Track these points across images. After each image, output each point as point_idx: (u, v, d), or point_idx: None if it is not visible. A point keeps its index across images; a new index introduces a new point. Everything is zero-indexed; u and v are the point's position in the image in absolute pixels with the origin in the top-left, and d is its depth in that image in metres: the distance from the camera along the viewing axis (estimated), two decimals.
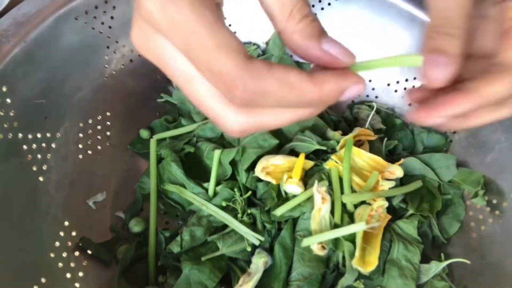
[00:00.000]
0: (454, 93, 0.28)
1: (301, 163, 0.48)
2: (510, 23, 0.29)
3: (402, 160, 0.53)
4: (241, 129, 0.23)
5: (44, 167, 0.49)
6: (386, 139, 0.56)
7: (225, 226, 0.50)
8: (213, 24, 0.20)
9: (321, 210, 0.47)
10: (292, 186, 0.48)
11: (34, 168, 0.48)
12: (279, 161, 0.49)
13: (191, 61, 0.21)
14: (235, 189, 0.50)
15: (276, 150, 0.52)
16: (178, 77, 0.23)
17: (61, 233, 0.48)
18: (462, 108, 0.28)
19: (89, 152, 0.54)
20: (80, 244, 0.49)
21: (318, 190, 0.46)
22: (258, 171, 0.48)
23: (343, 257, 0.46)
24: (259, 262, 0.46)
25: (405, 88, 0.60)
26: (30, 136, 0.47)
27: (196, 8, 0.20)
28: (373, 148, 0.55)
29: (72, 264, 0.47)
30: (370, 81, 0.62)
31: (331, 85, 0.22)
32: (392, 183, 0.49)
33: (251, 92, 0.20)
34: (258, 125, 0.23)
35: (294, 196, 0.48)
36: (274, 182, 0.48)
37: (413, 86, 0.59)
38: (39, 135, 0.48)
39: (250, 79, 0.20)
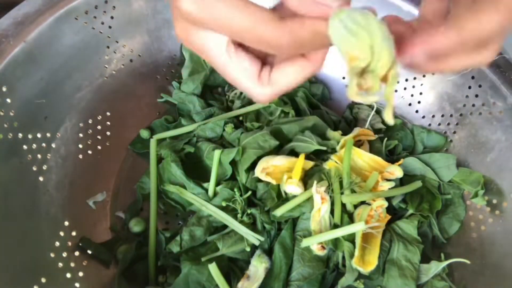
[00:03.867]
0: (435, 30, 0.26)
1: (301, 163, 0.48)
2: None
3: (401, 161, 0.53)
4: (268, 98, 0.28)
5: (44, 167, 0.49)
6: (386, 139, 0.56)
7: (225, 226, 0.50)
8: (238, 4, 0.24)
9: (320, 210, 0.47)
10: (292, 187, 0.48)
11: (34, 168, 0.48)
12: (279, 161, 0.49)
13: (241, 40, 0.25)
14: (235, 189, 0.50)
15: (276, 151, 0.52)
16: (218, 63, 0.27)
17: (61, 233, 0.48)
18: (442, 45, 0.26)
19: (89, 152, 0.54)
20: (80, 244, 0.49)
21: (317, 191, 0.46)
22: (258, 172, 0.48)
23: (343, 257, 0.46)
24: (259, 266, 0.46)
25: (405, 88, 0.60)
26: (30, 136, 0.47)
27: None
28: (373, 148, 0.55)
29: (72, 264, 0.47)
30: None
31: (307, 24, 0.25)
32: (392, 184, 0.49)
33: (293, 44, 0.25)
34: (277, 91, 0.28)
35: (294, 196, 0.48)
36: (274, 182, 0.48)
37: (413, 87, 0.59)
38: (39, 135, 0.48)
39: (290, 37, 0.24)
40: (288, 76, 0.28)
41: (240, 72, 0.27)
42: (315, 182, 0.47)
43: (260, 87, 0.28)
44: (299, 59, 0.28)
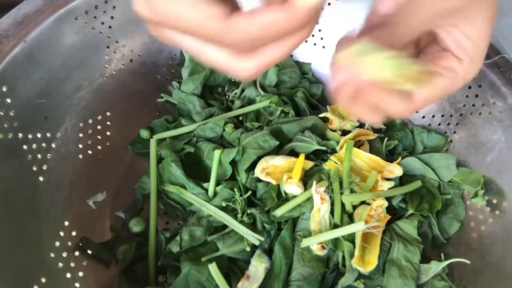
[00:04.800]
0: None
1: (301, 163, 0.48)
2: None
3: (399, 159, 0.53)
4: (252, 72, 0.26)
5: (44, 167, 0.49)
6: (386, 139, 0.56)
7: (225, 226, 0.50)
8: (195, 1, 0.22)
9: (320, 210, 0.47)
10: (292, 187, 0.48)
11: (34, 168, 0.48)
12: (279, 161, 0.49)
13: (191, 36, 0.24)
14: (235, 189, 0.50)
15: (276, 151, 0.52)
16: (191, 50, 0.26)
17: (61, 233, 0.48)
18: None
19: (89, 152, 0.54)
20: (80, 244, 0.49)
21: (317, 191, 0.46)
22: (258, 172, 0.48)
23: (343, 257, 0.46)
24: (259, 266, 0.46)
25: None
26: (30, 136, 0.47)
27: None
28: (373, 148, 0.55)
29: (72, 264, 0.47)
30: None
31: (301, 2, 0.22)
32: (392, 183, 0.49)
33: (240, 42, 0.23)
34: (265, 63, 0.26)
35: (294, 196, 0.48)
36: (274, 182, 0.48)
37: None
38: (39, 135, 0.48)
39: (235, 34, 0.23)
40: (273, 49, 0.25)
41: (214, 53, 0.26)
42: (314, 182, 0.47)
43: (242, 60, 0.26)
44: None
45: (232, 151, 0.50)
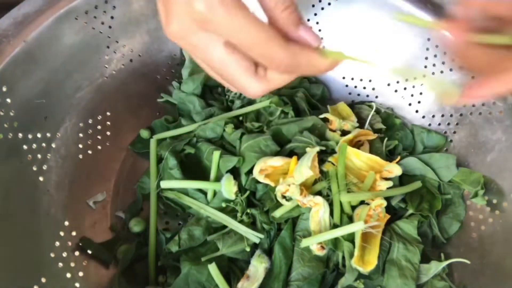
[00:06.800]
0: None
1: (294, 165, 0.48)
2: None
3: (398, 158, 0.53)
4: (261, 93, 0.31)
5: (44, 167, 0.49)
6: (386, 139, 0.56)
7: (224, 226, 0.50)
8: (254, 20, 0.27)
9: (319, 211, 0.47)
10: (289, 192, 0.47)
11: (34, 168, 0.48)
12: (276, 162, 0.48)
13: (245, 51, 0.28)
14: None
15: (276, 151, 0.52)
16: (215, 61, 0.30)
17: (61, 233, 0.48)
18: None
19: (89, 152, 0.54)
20: (80, 244, 0.49)
21: (303, 204, 0.46)
22: (256, 173, 0.48)
23: (343, 257, 0.46)
24: (258, 266, 0.46)
25: (405, 88, 0.60)
26: (30, 136, 0.47)
27: (239, 8, 0.26)
28: (373, 148, 0.55)
29: (72, 264, 0.47)
30: (370, 81, 0.62)
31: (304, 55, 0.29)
32: (390, 183, 0.49)
33: (289, 65, 0.28)
34: (272, 87, 0.31)
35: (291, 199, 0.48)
36: (272, 184, 0.48)
37: (413, 86, 0.59)
38: (39, 135, 0.48)
39: (291, 58, 0.28)
40: (284, 76, 0.31)
41: (237, 69, 0.29)
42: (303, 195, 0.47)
43: (256, 82, 0.30)
44: None
45: (232, 159, 0.50)
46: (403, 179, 0.53)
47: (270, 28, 0.27)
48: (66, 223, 0.49)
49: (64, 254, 0.47)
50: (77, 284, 0.46)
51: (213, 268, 0.45)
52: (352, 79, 0.63)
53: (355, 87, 0.63)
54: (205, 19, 0.27)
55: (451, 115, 0.56)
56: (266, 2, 0.29)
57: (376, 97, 0.62)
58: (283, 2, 0.29)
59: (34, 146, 0.48)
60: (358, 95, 0.63)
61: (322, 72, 0.30)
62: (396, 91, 0.61)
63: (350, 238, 0.46)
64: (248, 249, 0.47)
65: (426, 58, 0.57)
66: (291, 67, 0.29)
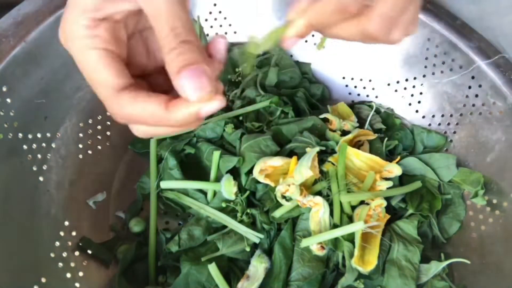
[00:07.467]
0: None
1: (293, 165, 0.48)
2: None
3: (398, 158, 0.53)
4: (124, 121, 0.29)
5: (44, 167, 0.49)
6: (386, 139, 0.56)
7: (224, 226, 0.50)
8: (97, 65, 0.28)
9: (319, 211, 0.47)
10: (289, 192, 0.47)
11: (34, 168, 0.48)
12: (276, 162, 0.48)
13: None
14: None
15: (276, 151, 0.52)
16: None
17: (61, 233, 0.48)
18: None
19: (89, 152, 0.54)
20: (80, 244, 0.49)
21: (303, 204, 0.46)
22: (256, 173, 0.48)
23: (343, 257, 0.46)
24: (258, 266, 0.46)
25: (405, 88, 0.60)
26: (30, 136, 0.47)
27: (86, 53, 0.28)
28: (373, 148, 0.55)
29: (72, 264, 0.47)
30: (370, 81, 0.62)
31: (182, 111, 0.26)
32: (390, 183, 0.49)
33: (121, 116, 0.28)
34: (135, 128, 0.30)
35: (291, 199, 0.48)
36: (272, 185, 0.48)
37: (413, 86, 0.59)
38: (39, 135, 0.48)
39: (118, 108, 0.28)
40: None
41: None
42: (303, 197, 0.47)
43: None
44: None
45: (232, 159, 0.50)
46: (403, 179, 0.53)
47: (149, 101, 0.27)
48: (66, 223, 0.49)
49: (64, 254, 0.47)
50: (77, 284, 0.46)
51: (213, 268, 0.45)
52: (352, 79, 0.63)
53: (355, 87, 0.63)
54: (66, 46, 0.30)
55: (451, 115, 0.56)
56: (158, 30, 0.25)
57: (376, 97, 0.62)
58: (176, 35, 0.24)
59: (34, 146, 0.48)
60: (358, 95, 0.63)
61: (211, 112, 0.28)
62: (396, 91, 0.61)
63: (350, 238, 0.46)
64: (248, 249, 0.47)
65: (426, 59, 0.57)
66: (179, 127, 0.28)
